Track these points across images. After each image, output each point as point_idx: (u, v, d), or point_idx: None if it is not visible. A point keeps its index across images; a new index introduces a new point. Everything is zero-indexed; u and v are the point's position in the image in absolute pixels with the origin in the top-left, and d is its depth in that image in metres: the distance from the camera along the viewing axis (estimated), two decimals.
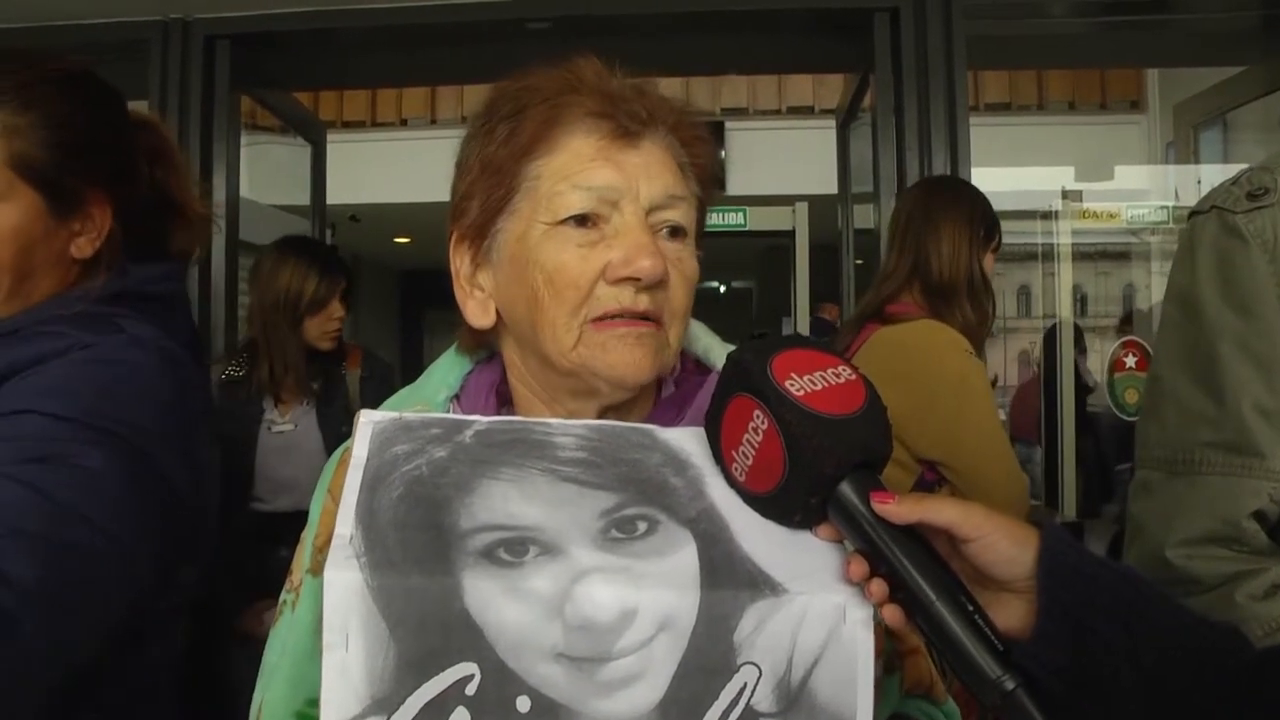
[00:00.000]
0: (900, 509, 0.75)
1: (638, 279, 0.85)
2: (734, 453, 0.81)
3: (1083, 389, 4.59)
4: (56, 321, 1.11)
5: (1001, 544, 0.74)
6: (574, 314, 0.87)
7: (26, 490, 0.94)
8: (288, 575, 0.95)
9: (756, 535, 0.79)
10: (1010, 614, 0.75)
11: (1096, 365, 5.24)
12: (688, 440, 0.84)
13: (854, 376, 0.80)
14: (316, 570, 0.91)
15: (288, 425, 2.91)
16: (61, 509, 0.95)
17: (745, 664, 0.75)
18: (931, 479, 2.21)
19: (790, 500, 0.78)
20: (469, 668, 0.72)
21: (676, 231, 0.90)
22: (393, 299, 12.73)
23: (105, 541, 0.98)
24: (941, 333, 2.22)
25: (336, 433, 2.86)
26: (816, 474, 0.76)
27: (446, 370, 1.01)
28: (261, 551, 2.61)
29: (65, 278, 1.17)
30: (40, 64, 1.15)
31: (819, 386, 0.78)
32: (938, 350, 2.19)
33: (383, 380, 3.08)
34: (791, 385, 0.77)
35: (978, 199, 2.43)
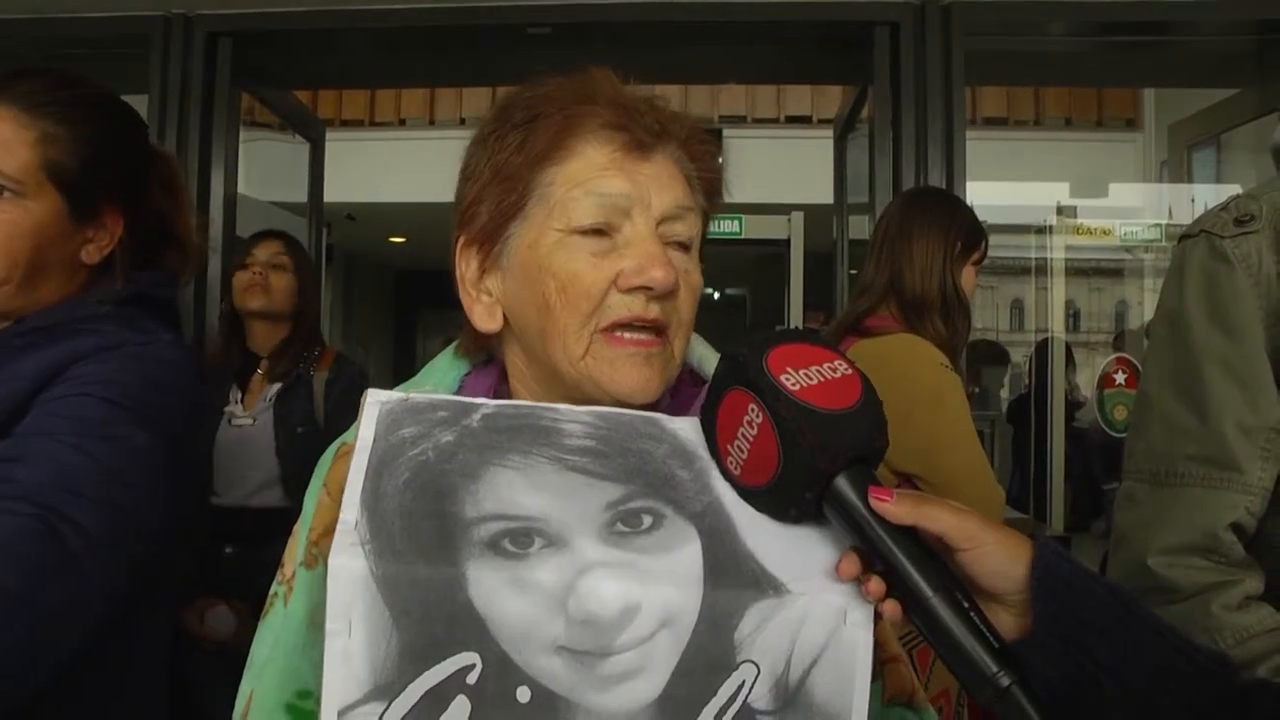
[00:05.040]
0: (898, 509, 0.74)
1: (650, 288, 0.86)
2: (729, 446, 0.80)
3: (1071, 404, 4.61)
4: (96, 320, 1.26)
5: (994, 556, 0.74)
6: (585, 322, 0.87)
7: (88, 459, 1.10)
8: (279, 567, 0.95)
9: (760, 531, 0.79)
10: (999, 626, 0.74)
11: (1086, 381, 5.27)
12: (695, 430, 0.84)
13: (850, 371, 0.80)
14: (311, 563, 0.91)
15: (246, 420, 2.90)
16: (113, 475, 1.12)
17: (744, 662, 0.75)
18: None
19: (785, 495, 0.77)
20: (470, 657, 0.73)
21: (683, 244, 0.91)
22: (388, 298, 12.69)
23: (141, 506, 1.15)
24: (918, 346, 2.20)
25: (292, 433, 2.85)
26: (811, 469, 0.75)
27: (445, 370, 1.01)
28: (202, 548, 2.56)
29: (71, 281, 1.29)
30: (82, 85, 1.30)
31: (814, 381, 0.77)
32: (914, 364, 2.16)
33: (350, 383, 3.02)
34: (786, 379, 0.76)
35: (957, 211, 2.37)
